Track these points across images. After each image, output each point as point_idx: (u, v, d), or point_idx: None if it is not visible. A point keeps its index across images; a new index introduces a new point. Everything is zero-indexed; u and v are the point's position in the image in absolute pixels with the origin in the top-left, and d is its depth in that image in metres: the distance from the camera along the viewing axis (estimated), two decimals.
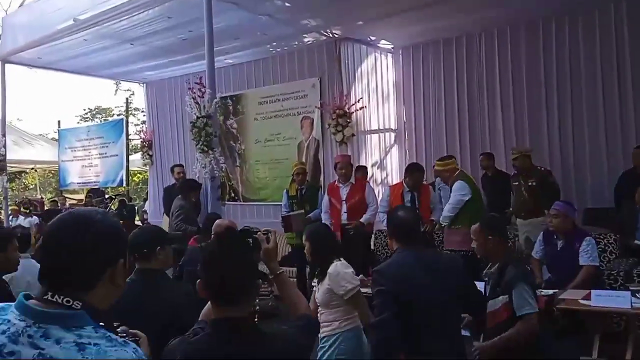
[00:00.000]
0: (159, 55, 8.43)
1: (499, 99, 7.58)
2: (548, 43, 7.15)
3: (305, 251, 3.41)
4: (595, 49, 6.85)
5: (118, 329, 1.40)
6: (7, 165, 9.40)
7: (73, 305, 1.12)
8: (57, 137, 13.15)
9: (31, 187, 20.33)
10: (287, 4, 6.54)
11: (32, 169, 15.16)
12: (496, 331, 2.92)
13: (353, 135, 7.60)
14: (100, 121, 21.56)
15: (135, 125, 20.03)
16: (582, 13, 6.93)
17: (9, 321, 1.10)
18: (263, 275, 1.80)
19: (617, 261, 5.21)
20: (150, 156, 10.50)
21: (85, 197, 12.69)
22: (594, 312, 3.97)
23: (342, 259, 3.31)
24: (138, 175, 19.64)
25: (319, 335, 3.11)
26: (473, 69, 7.81)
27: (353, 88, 7.83)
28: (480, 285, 4.37)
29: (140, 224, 10.31)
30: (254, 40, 7.80)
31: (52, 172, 16.65)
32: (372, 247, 6.78)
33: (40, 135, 18.81)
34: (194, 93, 5.90)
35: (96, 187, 11.62)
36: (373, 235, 6.67)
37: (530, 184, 5.94)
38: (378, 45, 8.40)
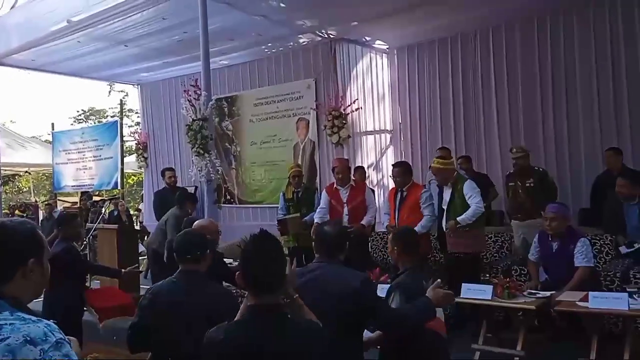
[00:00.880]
0: (153, 57, 8.40)
1: (495, 99, 7.58)
2: (543, 42, 7.16)
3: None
4: (590, 47, 6.87)
5: None
6: (1, 168, 9.33)
7: None
8: (50, 140, 13.05)
9: (25, 190, 20.18)
10: (282, 5, 6.52)
11: (26, 172, 15.04)
12: None
13: (349, 136, 7.59)
14: (94, 123, 21.47)
15: (129, 126, 19.93)
16: (577, 11, 6.95)
17: None
18: None
19: (613, 262, 5.21)
20: (145, 159, 10.46)
21: (80, 199, 12.61)
22: (591, 314, 3.96)
23: None
24: (133, 177, 19.53)
25: None
26: (468, 69, 7.81)
27: (348, 89, 7.82)
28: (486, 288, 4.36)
29: (138, 228, 10.25)
30: (249, 41, 7.78)
31: (46, 175, 16.55)
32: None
33: (34, 137, 18.72)
34: (189, 95, 5.88)
35: (90, 189, 11.54)
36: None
37: (528, 184, 5.92)
38: (373, 45, 8.39)
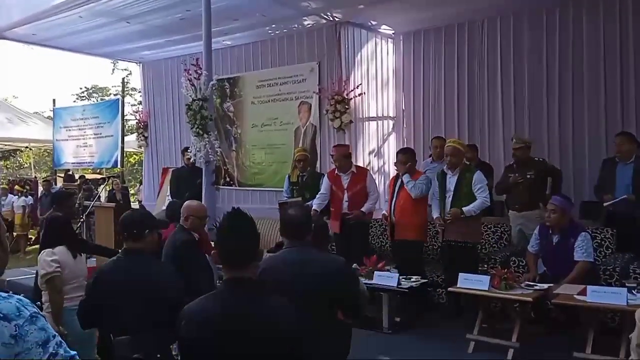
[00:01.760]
0: (156, 35, 8.28)
1: (500, 88, 7.47)
2: (551, 31, 7.03)
3: None
4: (599, 38, 6.74)
5: None
6: (1, 143, 9.30)
7: None
8: (52, 116, 13.01)
9: (26, 165, 20.18)
10: None
11: (27, 147, 15.03)
12: None
13: (351, 121, 7.50)
14: (97, 100, 21.38)
15: (132, 105, 19.81)
16: (587, 3, 6.81)
17: None
18: None
19: (613, 256, 5.17)
20: (146, 138, 10.39)
21: (79, 177, 12.60)
22: (589, 308, 3.93)
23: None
24: (134, 156, 19.49)
25: None
26: (474, 57, 7.68)
27: (352, 74, 7.70)
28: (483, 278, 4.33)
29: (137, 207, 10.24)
30: (253, 21, 7.66)
31: (47, 151, 16.51)
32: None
33: (36, 113, 18.64)
34: (190, 75, 5.80)
35: (90, 166, 11.52)
36: None
37: (528, 176, 5.86)
38: (379, 30, 8.26)
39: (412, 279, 5.01)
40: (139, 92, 20.93)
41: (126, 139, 11.55)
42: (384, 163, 8.28)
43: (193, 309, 1.96)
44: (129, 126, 14.93)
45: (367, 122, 8.01)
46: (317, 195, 6.03)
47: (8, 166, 19.88)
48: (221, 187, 8.71)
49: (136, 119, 10.70)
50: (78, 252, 3.88)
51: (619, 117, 6.64)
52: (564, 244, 4.61)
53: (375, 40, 8.24)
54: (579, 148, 6.93)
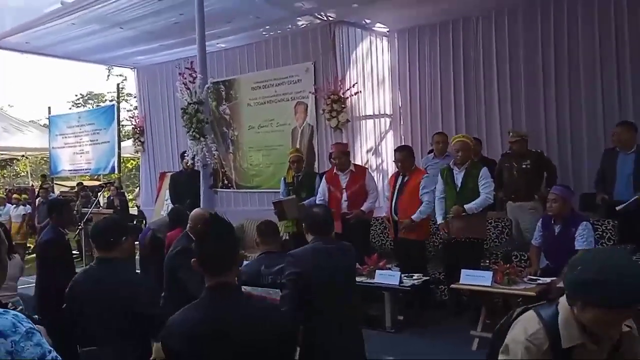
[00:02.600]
0: (149, 40, 8.25)
1: (496, 84, 7.46)
2: (546, 26, 7.02)
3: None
4: (594, 30, 6.73)
5: None
6: None
7: None
8: (48, 124, 12.97)
9: (22, 174, 20.11)
10: None
11: (23, 156, 14.98)
12: None
13: (348, 121, 7.48)
14: (93, 107, 21.32)
15: (127, 111, 19.79)
16: None
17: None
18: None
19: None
20: (142, 143, 10.35)
21: (77, 184, 12.55)
22: None
23: None
24: (131, 161, 19.45)
25: None
26: (470, 53, 7.67)
27: (348, 73, 7.69)
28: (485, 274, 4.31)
29: (136, 213, 10.22)
30: (246, 24, 7.64)
31: (44, 159, 16.46)
32: None
33: (31, 121, 18.58)
34: (185, 78, 5.77)
35: (87, 173, 11.49)
36: None
37: (524, 166, 5.85)
38: (373, 28, 8.24)
39: (414, 277, 4.99)
40: (134, 97, 20.93)
41: (122, 144, 11.53)
42: (382, 161, 8.27)
43: (177, 320, 1.91)
44: (125, 132, 14.89)
45: (364, 121, 7.99)
46: (316, 200, 5.98)
47: (4, 175, 19.82)
48: (219, 189, 8.68)
49: (132, 124, 10.67)
50: (12, 253, 3.82)
51: (616, 108, 6.64)
52: (565, 234, 4.59)
53: (370, 38, 8.22)
54: (577, 140, 6.93)
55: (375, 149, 8.19)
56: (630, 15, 6.49)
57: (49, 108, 12.67)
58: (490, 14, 7.44)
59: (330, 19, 7.53)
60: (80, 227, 7.26)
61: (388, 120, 8.50)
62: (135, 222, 8.08)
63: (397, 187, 5.53)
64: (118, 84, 17.12)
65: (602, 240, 5.23)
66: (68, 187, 13.80)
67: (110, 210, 7.29)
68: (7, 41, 8.28)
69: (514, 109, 7.33)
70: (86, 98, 25.24)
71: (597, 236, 5.08)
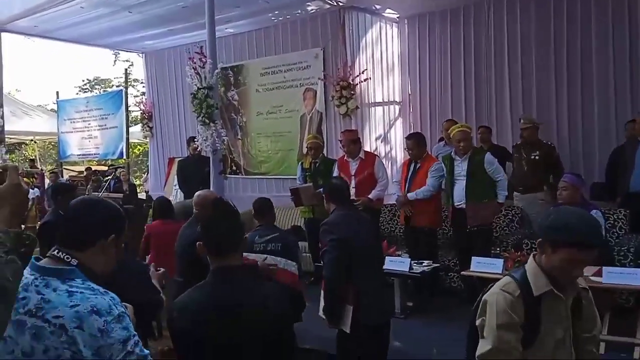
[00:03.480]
0: (158, 24, 8.20)
1: (507, 71, 7.38)
2: (559, 12, 6.92)
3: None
4: (607, 18, 6.64)
5: None
6: (6, 136, 9.27)
7: (71, 262, 1.51)
8: (56, 108, 12.98)
9: (31, 158, 20.20)
10: None
11: (32, 140, 15.03)
12: None
13: (357, 107, 7.44)
14: (100, 92, 21.33)
15: (134, 96, 19.81)
16: None
17: (24, 276, 1.40)
18: None
19: (627, 237, 5.13)
20: (150, 128, 10.35)
21: (86, 169, 12.60)
22: (605, 289, 3.90)
23: None
24: (139, 147, 19.49)
25: None
26: (480, 40, 7.59)
27: (357, 59, 7.62)
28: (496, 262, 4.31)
29: (144, 198, 10.23)
30: (255, 8, 7.56)
31: (52, 143, 16.51)
32: None
33: (39, 106, 18.61)
34: (194, 63, 5.74)
35: (95, 158, 11.51)
36: None
37: (533, 157, 5.82)
38: (383, 14, 8.15)
39: (424, 264, 4.99)
40: (141, 82, 20.88)
41: (130, 130, 11.52)
42: (390, 148, 8.23)
43: (183, 301, 1.95)
44: (132, 117, 14.89)
45: (373, 108, 7.94)
46: None
47: (13, 159, 19.91)
48: (228, 176, 8.68)
49: (140, 109, 10.65)
50: None
51: (629, 98, 6.57)
52: None
53: (380, 24, 8.15)
54: (588, 130, 6.86)
55: (385, 136, 8.15)
56: None
57: (57, 92, 12.66)
58: (501, 0, 7.35)
59: (340, 4, 7.46)
60: None
61: (397, 107, 8.44)
62: (144, 207, 8.08)
63: (410, 174, 5.51)
64: (126, 69, 17.09)
65: (613, 230, 5.21)
66: (76, 171, 13.85)
67: (120, 195, 7.29)
68: (15, 24, 8.26)
69: (525, 97, 7.26)
70: (93, 83, 25.26)
71: (608, 225, 5.05)
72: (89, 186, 9.55)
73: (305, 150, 6.95)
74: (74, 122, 11.54)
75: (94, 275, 1.53)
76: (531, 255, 1.99)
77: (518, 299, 1.88)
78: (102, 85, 24.62)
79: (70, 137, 11.63)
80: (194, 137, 7.50)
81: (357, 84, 7.42)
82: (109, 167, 11.69)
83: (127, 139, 10.75)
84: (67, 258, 1.52)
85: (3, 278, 1.13)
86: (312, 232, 6.14)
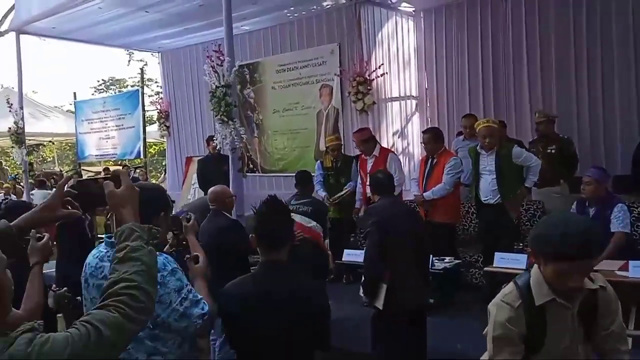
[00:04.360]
0: (174, 23, 8.24)
1: (526, 63, 7.28)
2: (578, 2, 6.81)
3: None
4: (627, 8, 6.53)
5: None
6: (26, 138, 9.38)
7: None
8: (72, 110, 13.14)
9: (49, 160, 20.43)
10: None
11: (50, 141, 15.20)
12: None
13: (374, 103, 7.40)
14: (115, 92, 21.51)
15: (149, 96, 19.96)
16: None
17: (100, 250, 1.99)
18: None
19: None
20: (168, 127, 10.41)
21: (104, 170, 12.71)
22: (632, 284, 3.84)
23: None
24: (154, 147, 19.63)
25: None
26: (498, 33, 7.49)
27: (373, 54, 7.59)
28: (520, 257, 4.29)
29: None
30: (271, 5, 7.57)
31: (69, 144, 16.69)
32: None
33: (56, 107, 18.82)
34: (212, 61, 5.75)
35: (113, 158, 11.61)
36: None
37: (549, 150, 5.74)
38: (399, 8, 8.11)
39: (445, 260, 4.95)
40: (156, 82, 21.04)
41: (147, 129, 11.61)
42: (408, 144, 8.19)
43: (234, 287, 2.19)
44: (148, 117, 15.00)
45: (389, 103, 7.90)
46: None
47: (31, 161, 20.15)
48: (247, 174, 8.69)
49: (157, 109, 10.73)
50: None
51: None
52: (600, 217, 4.50)
53: (396, 18, 8.09)
54: (609, 122, 6.75)
55: (402, 131, 8.10)
56: None
57: (74, 94, 12.82)
58: None
59: None
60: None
61: (414, 102, 8.39)
62: None
63: (427, 169, 5.47)
64: (142, 68, 17.22)
65: (638, 223, 5.12)
66: (94, 172, 13.99)
67: None
68: (34, 26, 8.36)
69: (545, 91, 7.16)
70: (108, 84, 25.48)
71: (633, 218, 4.96)
72: None
73: (324, 149, 6.94)
74: (91, 122, 11.66)
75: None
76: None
77: (518, 309, 1.83)
78: (117, 86, 24.83)
79: (88, 138, 11.75)
80: (213, 136, 7.52)
81: (374, 79, 7.38)
82: (123, 167, 11.76)
83: (144, 138, 10.83)
84: None
85: (153, 267, 1.37)
86: (336, 231, 6.14)
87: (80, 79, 41.30)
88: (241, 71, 8.65)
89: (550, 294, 1.81)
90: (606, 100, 6.75)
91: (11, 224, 1.63)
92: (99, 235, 6.33)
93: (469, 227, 5.82)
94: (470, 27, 7.72)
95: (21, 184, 10.90)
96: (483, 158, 5.15)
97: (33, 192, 9.71)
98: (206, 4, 7.03)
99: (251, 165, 9.13)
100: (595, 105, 6.83)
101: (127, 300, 1.23)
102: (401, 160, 7.23)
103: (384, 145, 7.14)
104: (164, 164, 14.76)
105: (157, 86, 19.72)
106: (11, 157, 12.90)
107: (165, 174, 11.79)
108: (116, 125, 11.15)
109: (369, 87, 7.35)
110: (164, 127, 10.43)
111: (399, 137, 8.03)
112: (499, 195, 5.04)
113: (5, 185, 11.73)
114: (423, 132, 5.83)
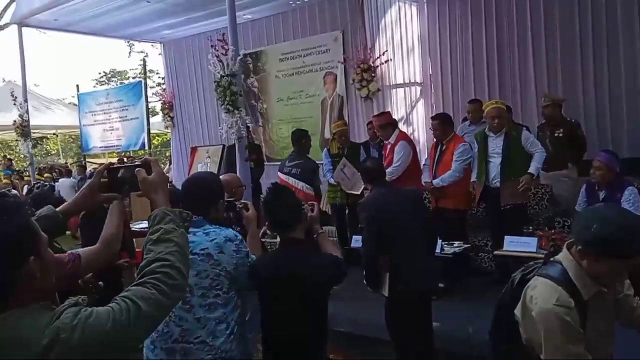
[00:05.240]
0: (176, 13, 8.22)
1: (531, 48, 7.22)
2: None
3: None
4: None
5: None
6: (31, 130, 9.40)
7: (197, 218, 2.26)
8: (75, 102, 13.13)
9: (53, 152, 20.46)
10: None
11: (54, 134, 15.22)
12: None
13: (378, 90, 7.37)
14: (117, 84, 21.47)
15: (151, 87, 19.91)
16: None
17: None
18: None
19: None
20: (172, 118, 10.41)
21: (118, 161, 12.72)
22: None
23: None
24: (157, 138, 19.63)
25: None
26: (503, 18, 7.42)
27: (377, 41, 7.54)
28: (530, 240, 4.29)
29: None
30: None
31: (73, 137, 16.70)
32: None
33: (58, 100, 18.82)
34: (217, 51, 5.73)
35: (118, 150, 11.62)
36: None
37: (557, 134, 5.72)
38: None
39: (454, 245, 4.95)
40: (157, 73, 20.99)
41: (151, 120, 11.60)
42: (413, 130, 8.15)
43: (260, 263, 2.46)
44: (151, 108, 15.00)
45: (394, 90, 7.87)
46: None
47: (36, 154, 20.21)
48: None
49: (160, 99, 10.71)
50: None
51: None
52: (611, 199, 4.49)
53: (399, 4, 8.02)
54: (616, 105, 6.71)
55: (407, 118, 8.08)
56: None
57: (77, 86, 12.80)
58: None
59: None
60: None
61: (419, 88, 8.35)
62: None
63: (437, 155, 5.45)
64: (143, 59, 17.16)
65: None
66: (98, 164, 14.01)
67: None
68: (35, 18, 8.33)
69: (550, 74, 7.11)
70: (109, 75, 25.43)
71: None
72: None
73: (330, 136, 6.91)
74: (95, 114, 11.65)
75: (218, 221, 2.36)
76: (567, 253, 1.91)
77: (574, 309, 1.83)
78: (119, 77, 24.78)
79: (92, 130, 11.75)
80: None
81: (378, 66, 7.36)
82: (127, 157, 11.77)
83: (149, 129, 10.82)
84: (195, 217, 2.18)
85: (185, 247, 1.45)
86: (339, 217, 6.18)
87: (82, 71, 41.28)
88: (244, 60, 8.62)
89: (595, 286, 1.86)
90: (612, 84, 6.71)
91: (57, 209, 1.78)
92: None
93: (477, 211, 5.80)
94: (474, 12, 7.66)
95: (25, 177, 10.95)
96: (492, 140, 5.13)
97: (58, 181, 9.81)
98: None
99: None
100: (602, 88, 6.79)
101: (163, 277, 1.31)
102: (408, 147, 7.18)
103: None
104: (167, 154, 14.77)
105: (159, 77, 19.68)
106: (16, 150, 12.90)
107: (170, 165, 11.79)
108: (120, 117, 11.15)
109: (373, 74, 7.33)
110: (168, 118, 10.42)
111: (404, 124, 7.99)
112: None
113: (4, 181, 11.72)
114: (432, 118, 5.77)
